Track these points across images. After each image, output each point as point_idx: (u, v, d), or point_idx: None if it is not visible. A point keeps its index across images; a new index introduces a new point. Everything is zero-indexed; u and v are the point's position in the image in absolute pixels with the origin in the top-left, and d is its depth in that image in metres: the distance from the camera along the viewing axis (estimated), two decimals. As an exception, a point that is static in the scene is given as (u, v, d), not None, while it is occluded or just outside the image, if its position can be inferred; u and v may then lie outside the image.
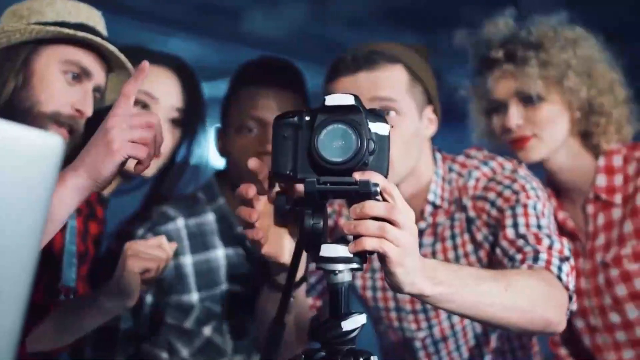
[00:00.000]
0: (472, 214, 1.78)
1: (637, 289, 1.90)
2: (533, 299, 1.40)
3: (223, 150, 1.95)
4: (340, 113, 1.14)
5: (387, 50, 1.72)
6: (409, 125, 1.70)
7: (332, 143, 1.13)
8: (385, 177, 1.15)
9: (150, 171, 1.86)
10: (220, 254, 1.91)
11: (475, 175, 1.79)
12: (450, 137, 1.91)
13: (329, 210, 1.84)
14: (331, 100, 1.14)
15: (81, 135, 1.62)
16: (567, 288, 1.50)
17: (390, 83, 1.69)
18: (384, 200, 1.14)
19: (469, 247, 1.79)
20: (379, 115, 1.18)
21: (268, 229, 1.31)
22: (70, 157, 1.25)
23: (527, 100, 1.90)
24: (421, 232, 1.79)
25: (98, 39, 1.60)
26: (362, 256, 1.15)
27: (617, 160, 1.94)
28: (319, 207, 1.16)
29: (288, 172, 1.17)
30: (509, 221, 1.66)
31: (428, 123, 1.78)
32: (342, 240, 1.16)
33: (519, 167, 1.79)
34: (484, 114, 2.01)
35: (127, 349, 1.86)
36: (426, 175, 1.80)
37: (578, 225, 2.01)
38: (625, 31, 2.82)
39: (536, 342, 2.03)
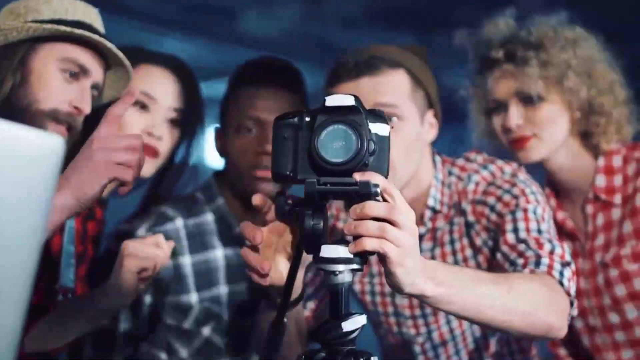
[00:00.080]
0: (471, 218, 1.77)
1: (636, 289, 1.90)
2: (535, 302, 1.39)
3: (222, 151, 1.95)
4: (340, 114, 1.13)
5: (388, 54, 1.71)
6: (410, 130, 1.70)
7: (333, 144, 1.12)
8: (386, 177, 1.15)
9: (148, 172, 1.86)
10: (219, 254, 1.91)
11: (475, 180, 1.79)
12: (449, 136, 1.91)
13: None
14: (331, 100, 1.14)
15: (79, 133, 1.62)
16: (568, 293, 1.49)
17: (392, 89, 1.69)
18: (385, 200, 1.14)
19: (468, 252, 1.78)
20: (379, 115, 1.17)
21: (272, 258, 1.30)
22: (69, 155, 1.25)
23: (527, 100, 1.90)
24: (420, 237, 1.79)
25: (95, 36, 1.60)
26: (362, 257, 1.15)
27: (617, 161, 1.95)
28: (319, 208, 1.16)
29: (288, 172, 1.17)
30: (509, 226, 1.66)
31: (429, 127, 1.78)
32: (342, 241, 1.16)
33: (519, 171, 1.79)
34: (484, 114, 2.01)
35: (126, 350, 1.85)
36: (426, 179, 1.80)
37: (577, 226, 2.01)
38: (625, 31, 2.83)
39: (534, 345, 2.03)
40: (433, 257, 1.80)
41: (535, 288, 1.42)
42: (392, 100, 1.67)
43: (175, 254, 1.84)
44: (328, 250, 1.14)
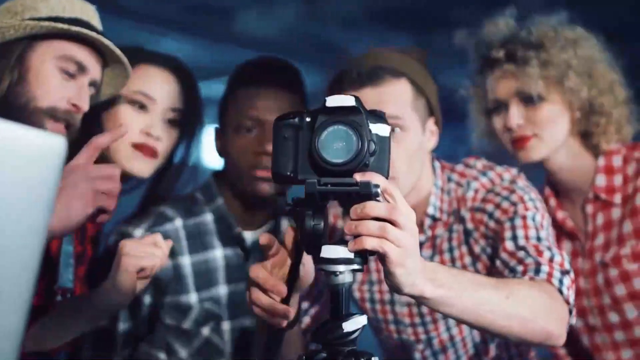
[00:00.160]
0: (470, 226, 1.77)
1: (636, 289, 1.91)
2: (534, 309, 1.39)
3: (221, 151, 1.95)
4: (341, 114, 1.13)
5: (390, 63, 1.70)
6: (413, 140, 1.70)
7: (333, 144, 1.12)
8: (386, 178, 1.15)
9: (147, 172, 1.86)
10: (218, 254, 1.91)
11: (474, 187, 1.78)
12: (448, 137, 1.90)
13: None
14: (332, 101, 1.14)
15: (78, 131, 1.62)
16: (567, 302, 1.49)
17: (395, 99, 1.68)
18: (385, 201, 1.14)
19: (467, 260, 1.78)
20: (380, 116, 1.18)
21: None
22: (68, 153, 1.26)
23: (528, 100, 1.90)
24: (420, 245, 1.77)
25: (93, 33, 1.60)
26: (363, 257, 1.15)
27: (617, 161, 1.95)
28: (320, 208, 1.16)
29: (288, 173, 1.17)
30: (508, 233, 1.65)
31: (430, 135, 1.77)
32: (343, 241, 1.16)
33: (518, 178, 1.78)
34: (484, 114, 2.01)
35: (125, 350, 1.85)
36: (426, 187, 1.80)
37: (577, 225, 2.01)
38: (625, 31, 2.83)
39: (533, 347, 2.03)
40: None
41: (535, 294, 1.42)
42: (395, 111, 1.67)
43: (174, 254, 1.84)
44: (329, 251, 1.14)
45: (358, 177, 1.12)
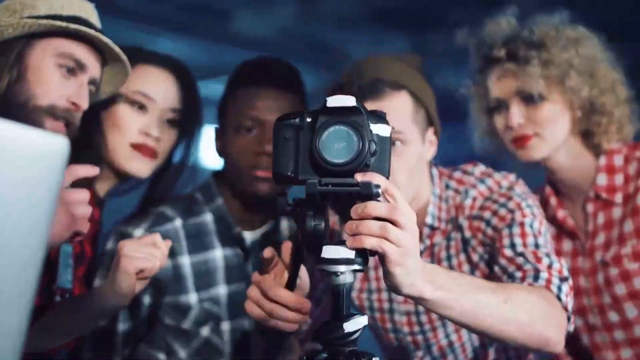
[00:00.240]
0: (467, 234, 1.77)
1: (637, 288, 1.91)
2: (533, 314, 1.39)
3: (221, 151, 1.95)
4: (341, 114, 1.14)
5: (390, 75, 1.69)
6: (413, 153, 1.69)
7: (334, 144, 1.13)
8: (387, 178, 1.15)
9: (146, 172, 1.86)
10: (218, 254, 1.91)
11: (472, 195, 1.78)
12: (445, 137, 1.90)
13: None
14: (332, 101, 1.14)
15: (77, 129, 1.62)
16: (566, 308, 1.49)
17: (396, 114, 1.67)
18: (386, 201, 1.14)
19: (465, 268, 1.78)
20: (380, 116, 1.18)
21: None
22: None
23: (529, 99, 1.90)
24: None
25: (92, 31, 1.60)
26: (364, 257, 1.15)
27: (618, 160, 1.95)
28: (320, 209, 1.16)
29: (289, 173, 1.17)
30: (506, 241, 1.65)
31: (429, 145, 1.77)
32: (344, 242, 1.16)
33: (516, 184, 1.78)
34: (485, 113, 2.01)
35: (124, 350, 1.85)
36: (424, 196, 1.79)
37: (578, 224, 2.01)
38: (625, 31, 2.83)
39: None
40: None
41: (533, 300, 1.42)
42: (397, 125, 1.65)
43: (174, 254, 1.84)
44: (329, 251, 1.15)
45: (359, 177, 1.12)
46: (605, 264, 1.94)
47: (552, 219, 2.03)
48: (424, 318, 1.85)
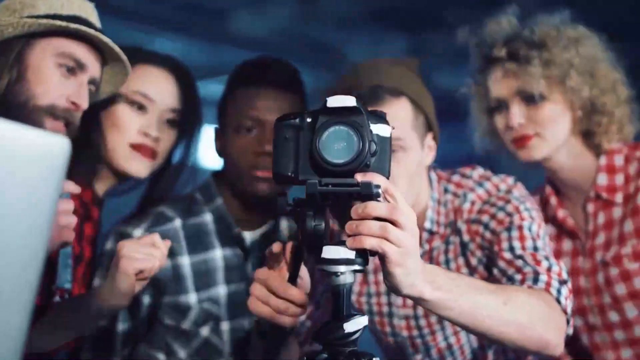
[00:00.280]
0: (466, 237, 1.77)
1: (637, 288, 1.90)
2: (533, 316, 1.39)
3: (221, 151, 1.95)
4: (341, 114, 1.14)
5: (389, 81, 1.68)
6: (413, 159, 1.69)
7: (334, 144, 1.13)
8: (387, 178, 1.15)
9: (144, 172, 1.86)
10: (218, 254, 1.91)
11: (471, 198, 1.78)
12: (442, 137, 1.90)
13: None
14: (333, 101, 1.14)
15: (77, 129, 1.61)
16: (565, 311, 1.49)
17: (395, 120, 1.65)
18: (386, 201, 1.14)
19: (464, 272, 1.77)
20: (381, 116, 1.18)
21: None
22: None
23: (529, 99, 1.90)
24: None
25: (91, 31, 1.59)
26: (364, 258, 1.16)
27: (619, 160, 1.95)
28: (321, 209, 1.16)
29: (289, 173, 1.17)
30: (504, 244, 1.65)
31: (428, 150, 1.76)
32: (344, 242, 1.16)
33: (514, 188, 1.77)
34: (485, 113, 2.01)
35: (124, 350, 1.85)
36: (423, 201, 1.79)
37: (578, 224, 2.01)
38: (626, 31, 2.83)
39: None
40: None
41: (533, 302, 1.42)
42: (397, 133, 1.66)
43: (174, 254, 1.84)
44: (330, 251, 1.15)
45: (359, 177, 1.12)
46: (606, 264, 1.94)
47: (552, 219, 2.03)
48: (422, 322, 1.85)
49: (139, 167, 1.84)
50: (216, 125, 1.96)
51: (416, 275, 1.17)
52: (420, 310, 1.83)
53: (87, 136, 1.77)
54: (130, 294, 1.52)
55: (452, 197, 1.80)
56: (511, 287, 1.50)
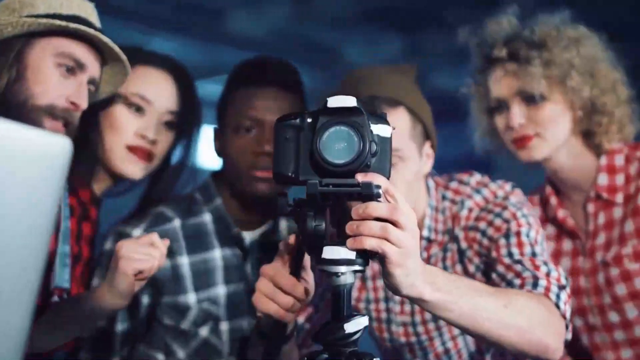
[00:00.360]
0: (463, 245, 1.76)
1: (637, 289, 1.91)
2: (532, 320, 1.40)
3: (220, 151, 1.94)
4: (342, 115, 1.14)
5: (386, 91, 1.67)
6: (411, 169, 1.69)
7: (335, 145, 1.13)
8: (388, 178, 1.15)
9: (139, 174, 1.85)
10: (217, 254, 1.90)
11: (468, 205, 1.77)
12: (439, 137, 1.90)
13: None
14: (333, 102, 1.14)
15: (76, 129, 1.61)
16: (564, 316, 1.50)
17: (394, 131, 1.67)
18: (386, 201, 1.14)
19: None
20: (381, 117, 1.18)
21: None
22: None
23: (530, 99, 1.90)
24: None
25: (91, 31, 1.59)
26: (365, 258, 1.15)
27: (619, 160, 1.95)
28: (321, 209, 1.16)
29: (290, 173, 1.17)
30: (503, 250, 1.65)
31: (426, 159, 1.76)
32: (344, 242, 1.16)
33: (511, 194, 1.77)
34: (485, 113, 2.01)
35: (123, 350, 1.84)
36: (421, 208, 1.78)
37: (578, 224, 2.02)
38: (626, 31, 2.84)
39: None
40: None
41: (533, 305, 1.43)
42: (395, 144, 1.65)
43: (173, 254, 1.84)
44: (330, 252, 1.14)
45: (360, 177, 1.12)
46: (606, 264, 1.94)
47: (552, 219, 2.04)
48: (420, 329, 1.85)
49: (134, 169, 1.84)
50: (215, 126, 1.95)
51: (416, 276, 1.17)
52: (418, 317, 1.84)
53: (85, 136, 1.76)
54: (130, 294, 1.51)
55: (450, 204, 1.80)
56: (511, 290, 1.50)
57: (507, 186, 1.80)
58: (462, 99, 2.06)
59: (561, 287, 1.53)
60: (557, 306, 1.49)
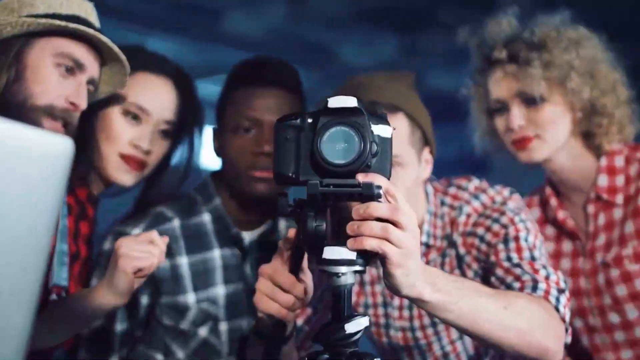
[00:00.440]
0: (462, 250, 1.76)
1: (637, 290, 1.91)
2: (532, 322, 1.39)
3: (219, 151, 1.94)
4: (342, 115, 1.14)
5: (384, 98, 1.66)
6: (410, 175, 1.68)
7: (335, 145, 1.13)
8: (388, 179, 1.16)
9: (129, 182, 1.84)
10: (216, 254, 1.90)
11: (466, 211, 1.77)
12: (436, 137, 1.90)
13: None
14: (334, 102, 1.14)
15: (76, 129, 1.61)
16: (563, 320, 1.50)
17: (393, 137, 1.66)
18: (387, 202, 1.14)
19: None
20: (382, 117, 1.18)
21: None
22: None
23: (530, 101, 1.90)
24: None
25: (90, 31, 1.59)
26: (365, 258, 1.15)
27: (619, 161, 1.96)
28: (322, 210, 1.16)
29: (290, 174, 1.17)
30: (502, 255, 1.65)
31: (425, 165, 1.75)
32: (344, 243, 1.16)
33: (509, 199, 1.77)
34: (485, 114, 2.01)
35: (122, 350, 1.84)
36: (420, 215, 1.78)
37: (578, 225, 2.02)
38: (626, 31, 2.84)
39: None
40: None
41: (533, 308, 1.43)
42: (394, 150, 1.65)
43: (172, 254, 1.83)
44: (331, 252, 1.14)
45: (360, 178, 1.12)
46: (606, 265, 1.94)
47: (552, 220, 2.04)
48: (419, 334, 1.85)
49: (125, 178, 1.83)
50: (214, 126, 1.95)
51: (416, 277, 1.17)
52: (416, 323, 1.84)
53: (84, 136, 1.76)
54: (129, 292, 1.52)
55: (449, 210, 1.80)
56: (511, 292, 1.50)
57: (505, 191, 1.79)
58: (459, 99, 2.06)
59: (560, 291, 1.53)
60: (557, 309, 1.49)
